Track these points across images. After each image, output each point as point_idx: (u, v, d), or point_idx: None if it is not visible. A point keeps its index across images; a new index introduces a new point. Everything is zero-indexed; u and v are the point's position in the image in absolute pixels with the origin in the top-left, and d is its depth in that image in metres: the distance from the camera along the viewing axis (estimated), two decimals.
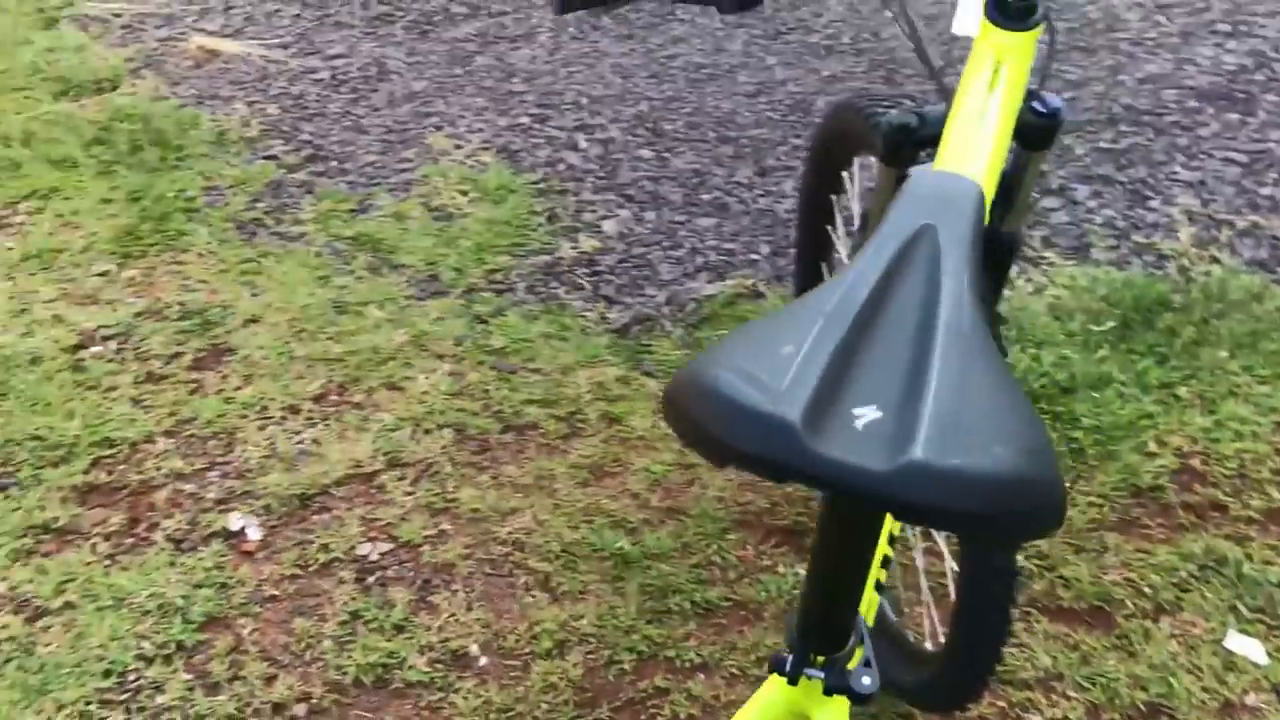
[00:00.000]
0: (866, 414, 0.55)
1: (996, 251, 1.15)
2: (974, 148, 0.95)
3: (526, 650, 1.60)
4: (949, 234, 0.65)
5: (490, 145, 2.67)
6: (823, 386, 0.55)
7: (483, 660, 1.59)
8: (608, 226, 2.41)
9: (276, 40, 3.10)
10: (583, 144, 2.68)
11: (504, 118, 2.77)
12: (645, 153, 2.65)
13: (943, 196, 0.73)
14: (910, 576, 1.60)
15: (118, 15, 3.22)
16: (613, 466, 1.87)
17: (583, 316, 2.18)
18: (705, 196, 2.51)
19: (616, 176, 2.57)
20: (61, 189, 2.49)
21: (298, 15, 3.22)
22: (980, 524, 0.57)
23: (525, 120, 2.76)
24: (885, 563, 1.01)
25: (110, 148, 2.62)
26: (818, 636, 0.80)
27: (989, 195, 0.89)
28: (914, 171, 0.79)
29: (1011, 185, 1.14)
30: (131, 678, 1.53)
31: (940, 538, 1.49)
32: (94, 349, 2.07)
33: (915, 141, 1.17)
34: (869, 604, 0.99)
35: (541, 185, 2.54)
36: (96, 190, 2.48)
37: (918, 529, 1.50)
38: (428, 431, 1.92)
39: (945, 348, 0.57)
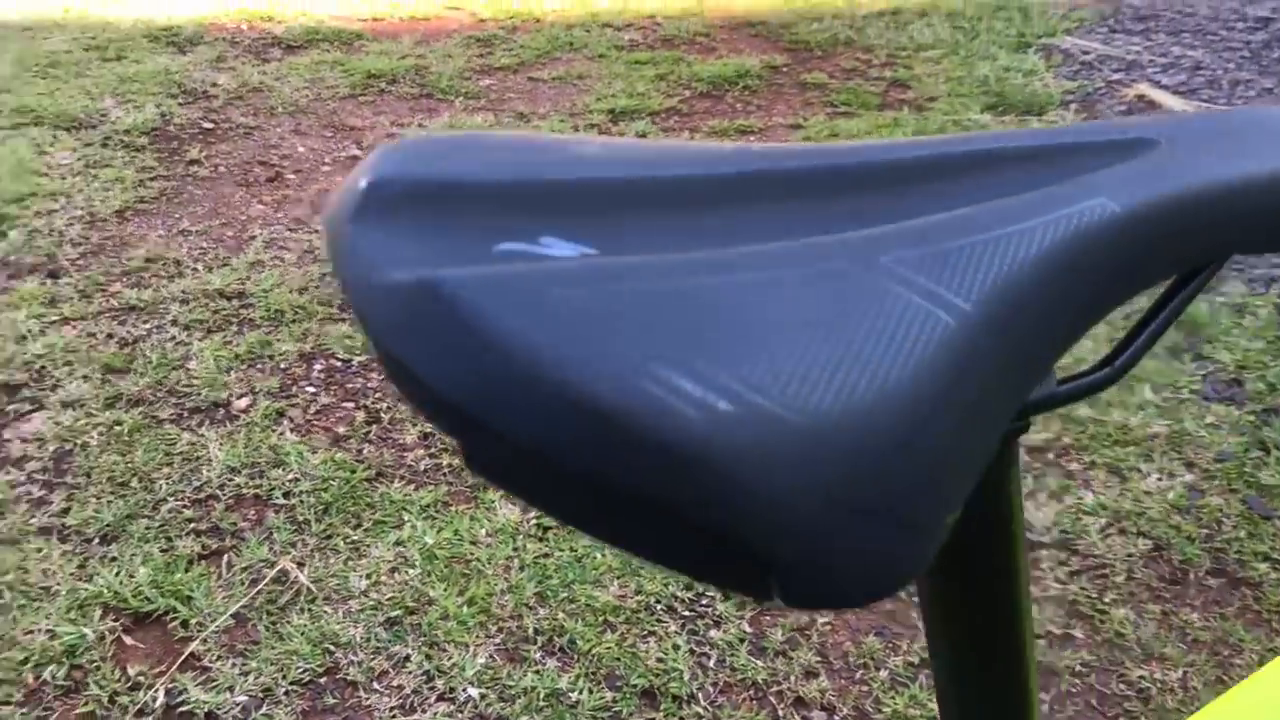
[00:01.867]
0: (554, 247, 0.24)
1: None
2: None
3: None
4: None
5: None
6: (533, 193, 0.27)
7: None
8: None
9: (1224, 106, 2.83)
10: None
11: None
12: None
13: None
14: None
15: (1086, 53, 3.20)
16: None
17: None
18: None
19: None
20: None
21: (1269, 90, 2.90)
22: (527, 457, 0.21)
23: None
24: None
25: None
26: None
27: None
28: None
29: None
30: (704, 602, 1.56)
31: None
32: None
33: None
34: None
35: None
36: None
37: None
38: (1122, 532, 1.63)
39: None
